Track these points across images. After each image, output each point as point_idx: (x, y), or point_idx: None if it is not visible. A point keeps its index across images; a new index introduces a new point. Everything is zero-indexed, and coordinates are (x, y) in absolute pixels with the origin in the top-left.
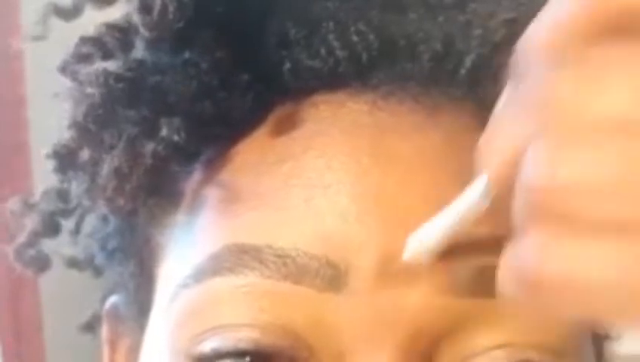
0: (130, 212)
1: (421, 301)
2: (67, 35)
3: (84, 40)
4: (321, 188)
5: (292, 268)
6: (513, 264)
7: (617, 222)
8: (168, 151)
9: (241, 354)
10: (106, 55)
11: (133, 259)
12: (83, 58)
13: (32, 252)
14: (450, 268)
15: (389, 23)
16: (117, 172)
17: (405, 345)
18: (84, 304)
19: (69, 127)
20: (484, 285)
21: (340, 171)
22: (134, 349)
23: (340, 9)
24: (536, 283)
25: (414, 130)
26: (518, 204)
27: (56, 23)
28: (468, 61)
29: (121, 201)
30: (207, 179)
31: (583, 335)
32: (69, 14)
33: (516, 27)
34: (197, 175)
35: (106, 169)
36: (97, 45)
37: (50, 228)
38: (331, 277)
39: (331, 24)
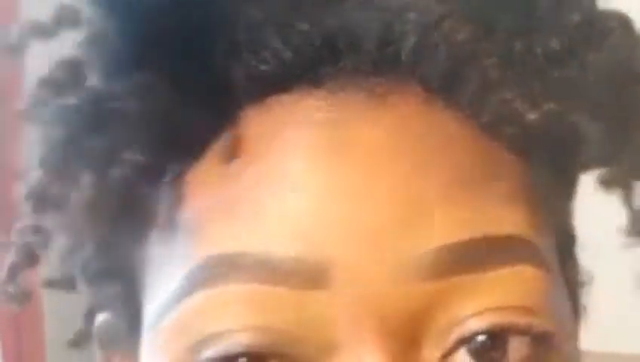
0: (105, 238)
1: (398, 288)
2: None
3: (40, 82)
4: (288, 189)
5: (270, 272)
6: None
7: None
8: (136, 174)
9: (232, 358)
10: (61, 92)
11: (118, 279)
12: (41, 101)
13: (12, 287)
14: (414, 255)
15: (327, 17)
16: (88, 205)
17: (390, 331)
18: (84, 304)
19: (38, 166)
20: (453, 264)
21: (302, 170)
22: None
23: (279, 10)
24: None
25: (366, 121)
26: None
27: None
28: (407, 44)
29: (92, 232)
30: (176, 196)
31: (557, 293)
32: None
33: (453, 5)
34: (166, 192)
35: (75, 203)
36: (52, 84)
37: (29, 260)
38: (308, 275)
39: (273, 27)
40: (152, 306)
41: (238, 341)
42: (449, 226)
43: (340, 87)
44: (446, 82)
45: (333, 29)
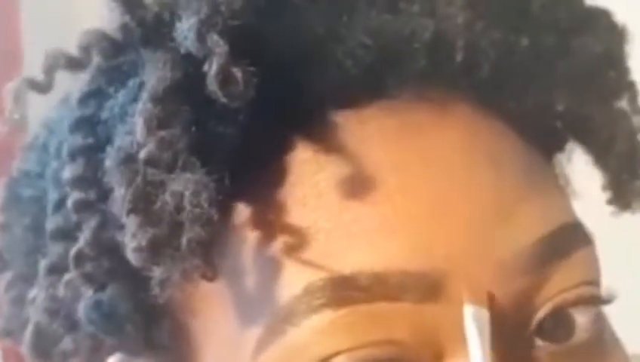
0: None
1: (503, 287)
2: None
3: None
4: (389, 206)
5: (389, 288)
6: None
7: None
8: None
9: None
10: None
11: (151, 322)
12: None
13: None
14: (514, 253)
15: (384, 27)
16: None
17: (497, 328)
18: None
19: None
20: (544, 255)
21: (398, 187)
22: None
23: (338, 23)
24: None
25: (439, 129)
26: None
27: (57, 19)
28: (459, 51)
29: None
30: (259, 223)
31: None
32: (43, 88)
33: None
34: (238, 221)
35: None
36: None
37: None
38: (427, 288)
39: (334, 41)
40: (233, 342)
41: (353, 356)
42: (533, 222)
43: (401, 97)
44: (493, 85)
45: (390, 39)
